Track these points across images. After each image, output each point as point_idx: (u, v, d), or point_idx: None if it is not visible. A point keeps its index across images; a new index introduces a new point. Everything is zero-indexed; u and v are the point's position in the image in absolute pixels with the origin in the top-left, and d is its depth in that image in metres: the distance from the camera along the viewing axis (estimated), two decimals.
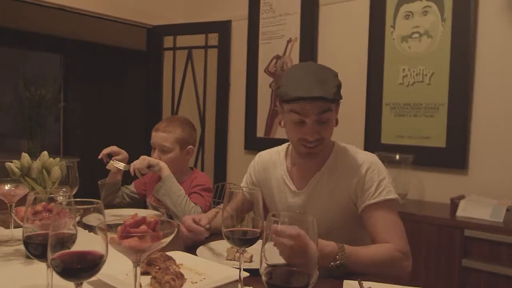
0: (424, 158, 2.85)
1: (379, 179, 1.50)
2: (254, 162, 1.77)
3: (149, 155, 2.08)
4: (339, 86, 1.45)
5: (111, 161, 2.11)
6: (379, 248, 1.41)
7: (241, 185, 1.77)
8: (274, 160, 1.70)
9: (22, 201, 1.27)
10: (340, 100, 1.51)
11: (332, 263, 1.28)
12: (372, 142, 3.07)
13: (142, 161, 1.98)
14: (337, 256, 1.29)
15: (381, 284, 1.18)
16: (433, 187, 2.87)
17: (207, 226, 1.54)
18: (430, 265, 2.35)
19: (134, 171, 1.99)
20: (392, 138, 3.04)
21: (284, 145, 1.73)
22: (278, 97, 1.50)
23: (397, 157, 2.76)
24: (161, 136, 2.08)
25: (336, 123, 1.53)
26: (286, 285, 0.85)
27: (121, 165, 2.11)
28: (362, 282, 1.16)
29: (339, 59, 3.29)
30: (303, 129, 1.46)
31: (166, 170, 1.98)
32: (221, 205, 1.61)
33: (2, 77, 5.27)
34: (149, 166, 1.99)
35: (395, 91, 3.02)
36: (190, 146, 2.14)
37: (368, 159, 1.54)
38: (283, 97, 1.45)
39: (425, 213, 2.47)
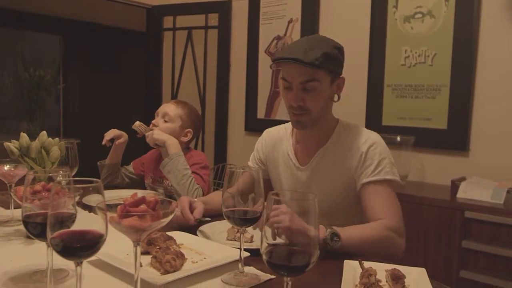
0: (425, 139, 2.84)
1: (380, 158, 1.49)
2: (262, 138, 1.78)
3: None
4: (327, 55, 1.42)
5: (138, 122, 2.09)
6: (372, 225, 1.40)
7: (248, 163, 1.77)
8: (282, 136, 1.71)
9: (21, 181, 1.26)
10: (341, 77, 1.53)
11: (324, 236, 1.26)
12: (373, 124, 3.06)
13: (149, 137, 2.01)
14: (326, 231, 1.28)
15: (382, 263, 1.18)
16: (434, 168, 2.87)
17: (197, 220, 1.50)
18: (430, 246, 2.36)
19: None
20: (393, 120, 3.03)
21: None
22: None
23: (398, 138, 2.75)
24: (169, 105, 2.15)
25: (338, 99, 1.54)
26: (286, 264, 0.85)
27: (143, 128, 2.09)
28: (362, 261, 1.16)
29: (341, 40, 3.15)
30: (290, 95, 1.48)
31: (174, 148, 1.97)
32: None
33: (1, 58, 5.23)
34: (156, 144, 2.02)
35: (397, 72, 3.00)
36: (189, 129, 2.14)
37: (371, 138, 1.53)
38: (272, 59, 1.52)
39: (426, 195, 2.47)
